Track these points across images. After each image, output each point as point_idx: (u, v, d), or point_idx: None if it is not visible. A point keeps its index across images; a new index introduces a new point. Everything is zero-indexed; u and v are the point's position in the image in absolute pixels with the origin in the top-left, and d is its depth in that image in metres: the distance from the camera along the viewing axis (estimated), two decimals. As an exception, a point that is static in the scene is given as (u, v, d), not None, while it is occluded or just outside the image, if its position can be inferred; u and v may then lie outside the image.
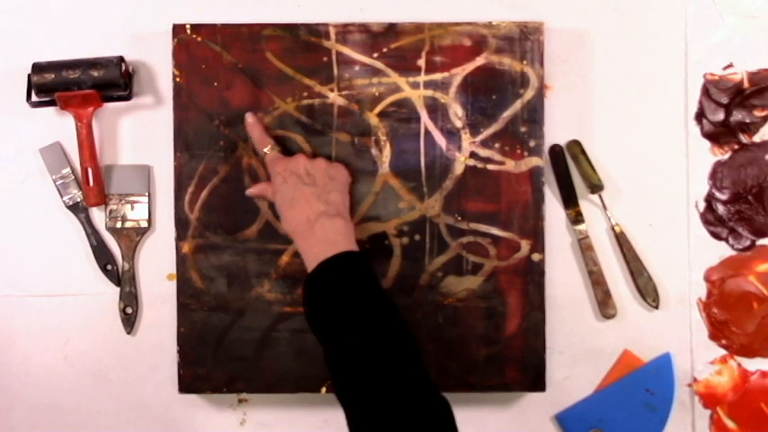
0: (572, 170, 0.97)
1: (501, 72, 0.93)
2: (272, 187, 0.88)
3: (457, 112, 0.93)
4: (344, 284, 0.79)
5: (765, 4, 0.97)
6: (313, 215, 0.83)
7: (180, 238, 0.93)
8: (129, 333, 0.96)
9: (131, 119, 0.96)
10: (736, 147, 0.97)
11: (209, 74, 0.93)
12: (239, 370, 0.93)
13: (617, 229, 0.96)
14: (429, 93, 0.93)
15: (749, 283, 0.97)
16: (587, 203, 0.97)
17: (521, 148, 0.93)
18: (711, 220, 0.97)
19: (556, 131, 0.96)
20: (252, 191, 0.91)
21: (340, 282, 0.79)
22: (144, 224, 0.96)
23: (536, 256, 0.93)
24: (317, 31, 0.93)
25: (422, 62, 0.93)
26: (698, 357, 0.97)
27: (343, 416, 0.96)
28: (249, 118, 0.91)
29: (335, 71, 0.93)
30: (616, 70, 0.97)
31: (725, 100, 0.97)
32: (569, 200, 0.97)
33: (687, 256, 0.97)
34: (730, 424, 0.96)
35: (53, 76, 0.91)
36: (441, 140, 0.93)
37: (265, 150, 0.90)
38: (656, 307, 0.96)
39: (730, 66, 0.97)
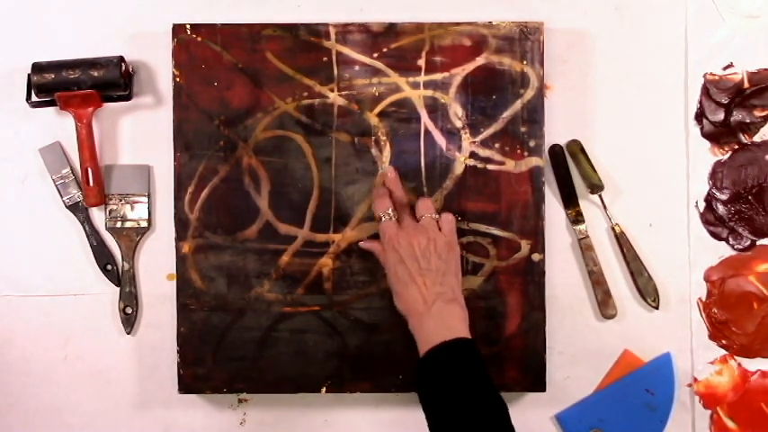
0: (572, 170, 0.97)
1: (501, 72, 0.93)
2: (384, 255, 0.88)
3: (457, 112, 0.93)
4: (456, 372, 0.80)
5: (765, 4, 0.97)
6: (430, 298, 0.84)
7: (180, 238, 0.93)
8: (129, 333, 0.96)
9: (131, 119, 0.96)
10: (736, 147, 0.97)
11: (210, 74, 0.93)
12: (239, 370, 0.93)
13: (617, 229, 0.96)
14: (429, 93, 0.93)
15: (749, 283, 0.97)
16: (587, 203, 0.97)
17: (521, 148, 0.93)
18: (711, 220, 0.97)
19: (556, 131, 0.96)
20: (365, 244, 0.92)
21: (453, 368, 0.81)
22: (144, 224, 0.96)
23: (536, 256, 0.93)
24: (317, 31, 0.93)
25: (422, 62, 0.93)
26: (698, 357, 0.97)
27: (343, 416, 0.97)
28: (390, 173, 0.92)
29: (335, 71, 0.93)
30: (616, 70, 0.97)
31: (725, 100, 0.97)
32: (569, 200, 0.97)
33: (687, 256, 0.97)
34: (730, 424, 0.96)
35: (53, 76, 0.92)
36: (441, 140, 0.93)
37: (382, 216, 0.89)
38: (656, 307, 0.96)
39: (730, 66, 0.97)
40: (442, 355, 0.81)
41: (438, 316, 0.83)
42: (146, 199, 0.96)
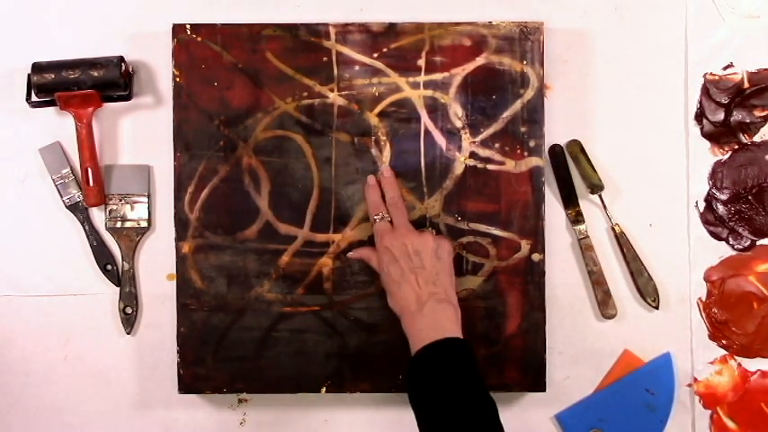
0: (572, 170, 0.97)
1: (501, 72, 0.93)
2: (378, 259, 0.88)
3: (457, 112, 0.93)
4: (447, 372, 0.81)
5: (765, 4, 0.98)
6: (424, 297, 0.84)
7: (180, 238, 0.93)
8: (129, 333, 0.96)
9: (131, 119, 0.96)
10: (736, 147, 0.97)
11: (209, 74, 0.93)
12: (239, 370, 0.93)
13: (617, 229, 0.96)
14: (429, 93, 0.93)
15: (749, 283, 0.97)
16: (587, 203, 0.97)
17: (521, 148, 0.93)
18: (711, 220, 0.97)
19: (556, 131, 0.96)
20: (354, 254, 0.91)
21: (444, 368, 0.81)
22: (144, 224, 0.96)
23: (536, 256, 0.93)
24: (317, 31, 0.93)
25: (422, 62, 0.93)
26: (698, 357, 0.97)
27: (343, 416, 0.97)
28: (371, 180, 0.92)
29: (335, 71, 0.93)
30: (616, 70, 0.97)
31: (725, 100, 0.97)
32: (569, 200, 0.97)
33: (687, 256, 0.97)
34: (730, 424, 0.96)
35: (53, 76, 0.92)
36: (441, 140, 0.93)
37: (376, 218, 0.90)
38: (656, 307, 0.96)
39: (730, 66, 0.97)
40: (433, 354, 0.81)
41: (431, 315, 0.83)
42: (146, 199, 0.96)
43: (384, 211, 0.90)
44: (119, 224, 0.96)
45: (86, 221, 0.95)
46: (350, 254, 0.92)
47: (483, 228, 0.93)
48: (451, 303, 0.85)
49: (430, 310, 0.84)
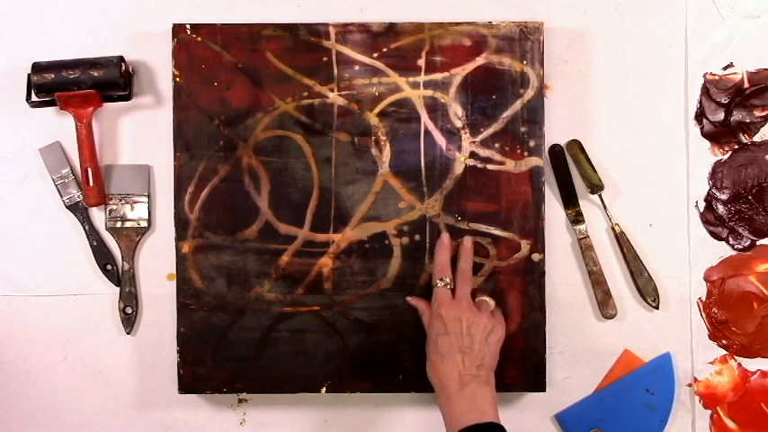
0: (572, 170, 0.97)
1: (501, 72, 0.93)
2: (429, 321, 0.88)
3: (457, 112, 0.93)
4: None
5: (765, 4, 0.97)
6: (466, 378, 0.84)
7: (180, 238, 0.93)
8: (128, 333, 0.96)
9: (131, 119, 0.96)
10: (736, 147, 0.97)
11: (209, 74, 0.93)
12: (239, 370, 0.93)
13: (617, 229, 0.96)
14: (429, 93, 0.93)
15: (749, 283, 0.97)
16: (587, 203, 0.97)
17: (521, 148, 0.93)
18: (711, 220, 0.97)
19: (556, 131, 0.96)
20: (413, 301, 0.91)
21: None
22: (144, 224, 0.96)
23: (536, 256, 0.93)
24: (317, 31, 0.93)
25: (422, 62, 0.93)
26: (698, 357, 0.97)
27: (343, 416, 0.97)
28: (446, 240, 0.91)
29: (335, 71, 0.93)
30: (616, 70, 0.97)
31: (725, 100, 0.97)
32: (569, 200, 0.97)
33: (687, 256, 0.97)
34: (730, 424, 0.96)
35: (53, 75, 0.92)
36: (441, 140, 0.93)
37: (439, 281, 0.89)
38: (656, 307, 0.96)
39: (730, 66, 0.97)
40: None
41: (471, 398, 0.83)
42: (146, 199, 0.96)
43: (449, 276, 0.89)
44: (119, 224, 0.96)
45: (86, 221, 0.95)
46: (409, 298, 0.91)
47: (483, 228, 0.93)
48: (491, 386, 0.85)
49: (470, 393, 0.83)
